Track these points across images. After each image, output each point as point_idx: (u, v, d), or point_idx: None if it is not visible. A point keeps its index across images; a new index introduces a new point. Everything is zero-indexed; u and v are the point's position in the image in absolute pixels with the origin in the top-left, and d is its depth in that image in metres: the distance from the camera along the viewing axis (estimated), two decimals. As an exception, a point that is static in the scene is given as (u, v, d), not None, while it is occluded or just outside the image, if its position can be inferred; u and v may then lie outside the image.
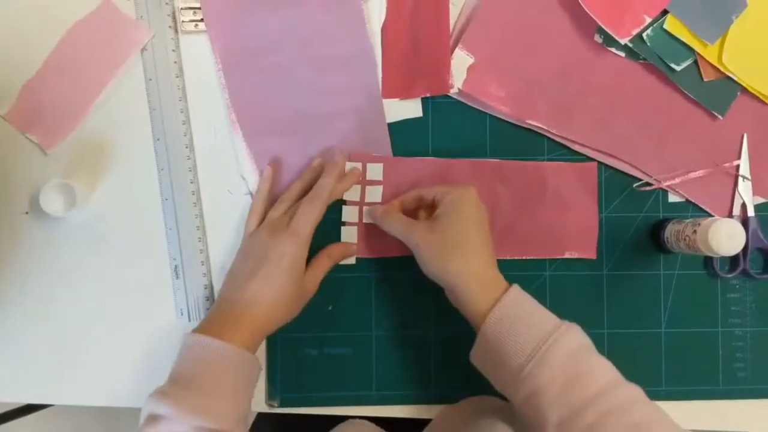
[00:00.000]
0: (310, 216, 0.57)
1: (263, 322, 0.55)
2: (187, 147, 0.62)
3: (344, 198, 0.62)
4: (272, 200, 0.62)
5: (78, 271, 0.62)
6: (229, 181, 0.63)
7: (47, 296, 0.62)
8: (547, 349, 0.48)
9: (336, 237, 0.62)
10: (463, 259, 0.53)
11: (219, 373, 0.52)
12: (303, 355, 0.62)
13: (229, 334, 0.53)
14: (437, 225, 0.55)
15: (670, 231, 0.62)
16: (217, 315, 0.56)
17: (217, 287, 0.63)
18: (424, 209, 0.61)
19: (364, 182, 0.63)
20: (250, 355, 0.54)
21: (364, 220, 0.63)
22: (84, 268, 0.62)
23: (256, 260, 0.55)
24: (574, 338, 0.50)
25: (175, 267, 0.62)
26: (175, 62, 0.62)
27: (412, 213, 0.61)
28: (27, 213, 0.61)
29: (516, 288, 0.52)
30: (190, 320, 0.63)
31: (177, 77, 0.62)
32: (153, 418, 0.50)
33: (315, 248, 0.60)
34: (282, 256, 0.55)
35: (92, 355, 0.62)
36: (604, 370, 0.49)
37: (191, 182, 0.62)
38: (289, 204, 0.59)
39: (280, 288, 0.55)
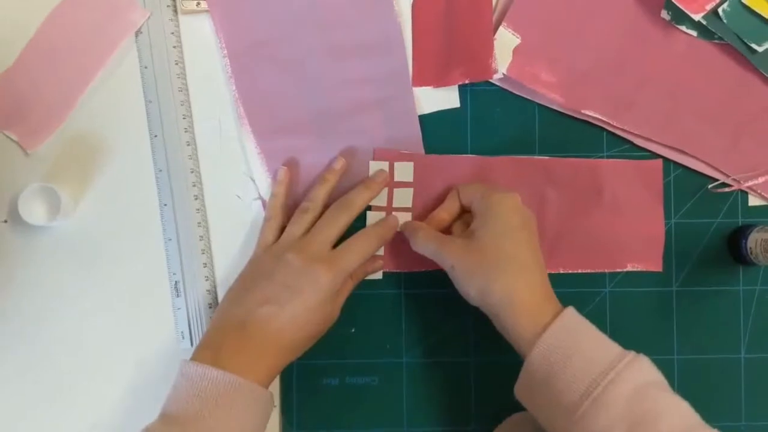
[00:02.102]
0: (356, 253, 0.52)
1: (283, 357, 0.51)
2: (188, 145, 0.58)
3: (369, 203, 0.57)
4: (289, 207, 0.57)
5: (63, 288, 0.58)
6: (237, 185, 0.58)
7: (27, 317, 0.58)
8: (607, 386, 0.43)
9: None
10: (507, 281, 0.48)
11: (227, 415, 0.46)
12: (322, 386, 0.58)
13: (241, 367, 0.47)
14: (474, 241, 0.50)
15: (754, 240, 0.56)
16: (223, 339, 0.49)
17: None
18: (459, 218, 0.56)
19: (392, 184, 0.58)
20: (266, 392, 0.48)
21: None
22: (70, 285, 0.58)
23: (285, 288, 0.50)
24: (640, 372, 0.44)
25: (176, 283, 0.58)
26: (175, 47, 0.57)
27: (448, 228, 0.56)
28: (5, 222, 0.58)
29: (571, 311, 0.47)
30: (192, 344, 0.58)
31: (176, 64, 0.58)
32: None
33: None
34: (319, 291, 0.50)
35: (78, 384, 0.58)
36: (677, 413, 0.44)
37: (193, 185, 0.58)
38: (315, 215, 0.54)
39: (309, 320, 0.51)
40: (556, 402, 0.45)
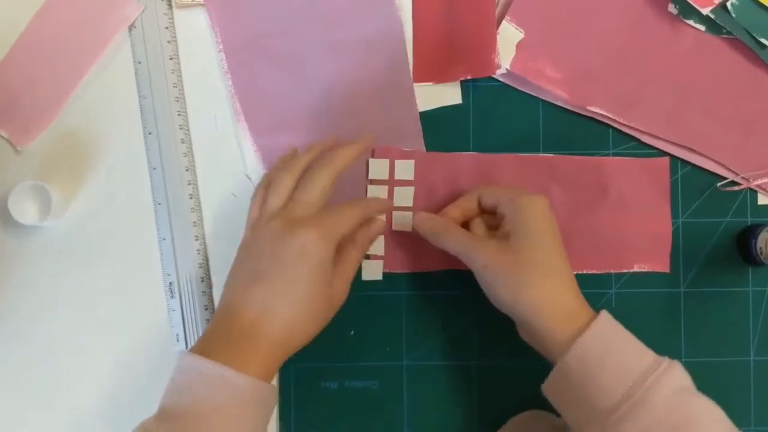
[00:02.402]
0: (348, 215, 0.49)
1: (282, 344, 0.47)
2: (183, 142, 0.57)
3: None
4: None
5: (54, 290, 0.57)
6: (234, 183, 0.57)
7: (17, 321, 0.57)
8: (648, 389, 0.43)
9: None
10: (543, 286, 0.47)
11: (229, 413, 0.44)
12: (321, 389, 0.57)
13: (240, 360, 0.44)
14: (508, 244, 0.49)
15: (764, 240, 0.55)
16: (220, 331, 0.47)
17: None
18: (475, 218, 0.54)
19: (393, 183, 0.57)
20: (269, 386, 0.46)
21: (393, 228, 0.57)
22: (61, 287, 0.57)
23: (268, 259, 0.47)
24: (675, 379, 0.45)
25: (170, 284, 0.57)
26: (169, 42, 0.57)
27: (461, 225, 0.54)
28: (-5, 221, 0.57)
29: (606, 315, 0.47)
30: (187, 347, 0.57)
31: (171, 60, 0.57)
32: None
33: None
34: (309, 257, 0.46)
35: (69, 391, 0.57)
36: (714, 417, 0.44)
37: (189, 184, 0.57)
38: (294, 182, 0.50)
39: (304, 297, 0.47)
40: (588, 405, 0.45)
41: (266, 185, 0.51)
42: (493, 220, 0.52)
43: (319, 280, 0.47)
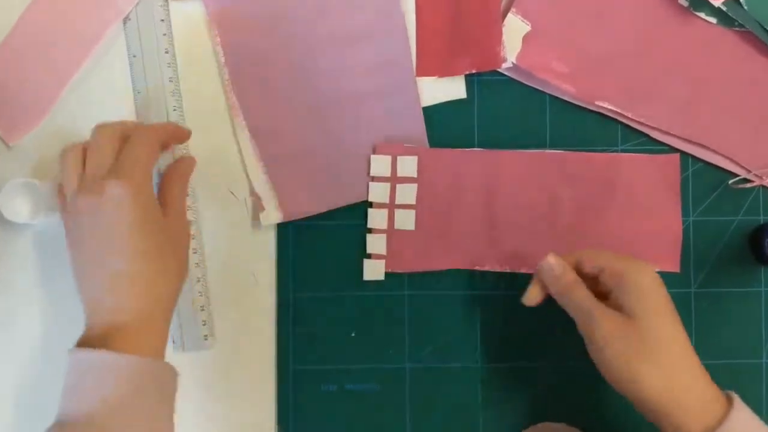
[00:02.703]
0: (139, 151, 0.46)
1: (157, 309, 0.45)
2: None
3: (370, 200, 0.55)
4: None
5: (46, 290, 0.56)
6: (231, 179, 0.56)
7: (6, 323, 0.56)
8: None
9: (359, 247, 0.56)
10: (672, 374, 0.44)
11: (137, 401, 0.42)
12: (320, 393, 0.56)
13: (129, 343, 0.43)
14: (629, 318, 0.45)
15: None
16: (98, 321, 0.45)
17: (216, 309, 0.56)
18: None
19: (395, 180, 0.55)
20: (167, 364, 0.44)
21: (396, 227, 0.55)
22: (54, 288, 0.56)
23: (93, 232, 0.44)
24: None
25: None
26: (165, 35, 0.55)
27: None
28: (-15, 219, 0.55)
29: (739, 403, 0.44)
30: (185, 349, 0.55)
31: (167, 53, 0.55)
32: None
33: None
34: (121, 205, 0.44)
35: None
36: None
37: None
38: (80, 156, 0.47)
39: (147, 251, 0.44)
40: None
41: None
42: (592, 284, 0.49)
43: (151, 225, 0.45)
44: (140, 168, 0.45)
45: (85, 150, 0.47)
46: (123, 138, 0.47)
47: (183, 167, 0.52)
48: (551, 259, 0.48)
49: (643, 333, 0.44)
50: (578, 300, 0.47)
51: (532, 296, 0.49)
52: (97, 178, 0.45)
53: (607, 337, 0.45)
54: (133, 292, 0.44)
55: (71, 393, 0.42)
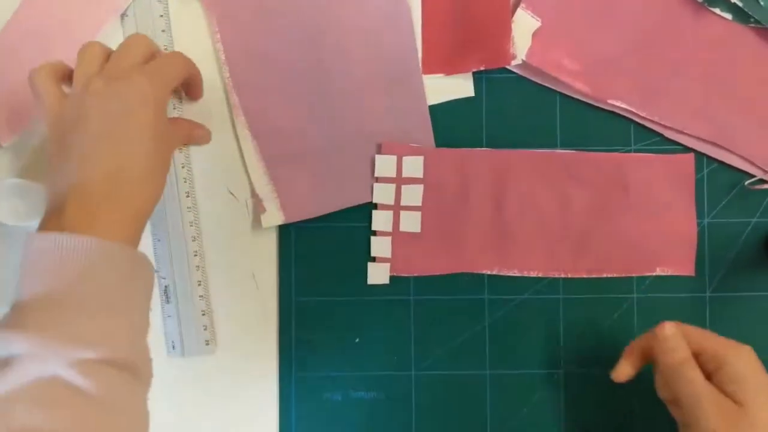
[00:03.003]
0: (168, 65, 0.46)
1: (141, 202, 0.43)
2: None
3: (375, 201, 0.54)
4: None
5: None
6: (231, 180, 0.55)
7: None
8: None
9: (363, 250, 0.55)
10: None
11: (101, 281, 0.40)
12: (324, 401, 0.55)
13: (100, 227, 0.40)
14: (739, 407, 0.43)
15: None
16: (63, 203, 0.42)
17: (217, 312, 0.55)
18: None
19: (400, 180, 0.54)
20: (137, 251, 0.42)
21: (401, 229, 0.54)
22: None
23: (105, 116, 0.42)
24: None
25: (165, 288, 0.54)
26: (164, 31, 0.54)
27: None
28: (-22, 221, 0.54)
29: None
30: (184, 355, 0.54)
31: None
32: None
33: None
34: (144, 98, 0.43)
35: None
36: None
37: (184, 180, 0.54)
38: (104, 50, 0.46)
39: (153, 146, 0.43)
40: None
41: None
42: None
43: (158, 138, 0.44)
44: (166, 77, 0.45)
45: (110, 52, 0.46)
46: (152, 54, 0.47)
47: (194, 132, 0.53)
48: (668, 330, 0.45)
49: (753, 422, 0.43)
50: (687, 381, 0.44)
51: (622, 372, 0.47)
52: (122, 70, 0.44)
53: (717, 429, 0.43)
54: (135, 182, 0.43)
55: (31, 275, 0.40)
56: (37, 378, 0.36)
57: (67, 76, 0.46)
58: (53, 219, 0.41)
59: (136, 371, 0.40)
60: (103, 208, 0.41)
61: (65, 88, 0.46)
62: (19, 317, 0.38)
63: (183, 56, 0.48)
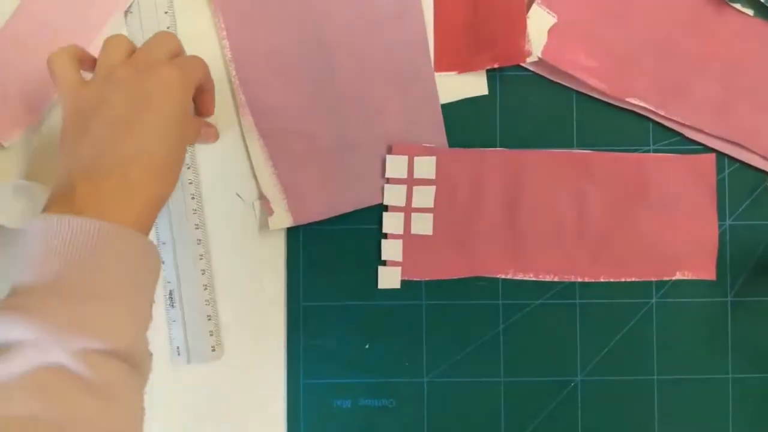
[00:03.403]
0: (193, 62, 0.47)
1: (156, 190, 0.43)
2: None
3: (385, 203, 0.53)
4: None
5: None
6: (238, 181, 0.54)
7: None
8: None
9: (373, 253, 0.54)
10: None
11: (106, 267, 0.39)
12: (333, 408, 0.54)
13: (112, 211, 0.40)
14: None
15: None
16: (73, 187, 0.41)
17: (223, 317, 0.54)
18: None
19: (412, 182, 0.53)
20: (148, 240, 0.42)
21: (412, 231, 0.54)
22: None
23: (128, 104, 0.43)
24: None
25: (170, 292, 0.53)
26: (169, 28, 0.53)
27: None
28: (-22, 224, 0.53)
29: None
30: (189, 361, 0.53)
31: None
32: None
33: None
34: (170, 89, 0.43)
35: None
36: None
37: (189, 182, 0.54)
38: (130, 42, 0.46)
39: (175, 136, 0.44)
40: None
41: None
42: None
43: (180, 128, 0.44)
44: (193, 73, 0.46)
45: (134, 48, 0.46)
46: (178, 53, 0.47)
47: (205, 133, 0.52)
48: None
49: None
50: None
51: None
52: (148, 62, 0.44)
53: None
54: (154, 169, 0.42)
55: (34, 256, 0.39)
56: (39, 366, 0.35)
57: (85, 62, 0.46)
58: (60, 201, 0.41)
59: (137, 364, 0.39)
60: (117, 194, 0.41)
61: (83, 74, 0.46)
62: (20, 299, 0.37)
63: (204, 61, 0.49)
